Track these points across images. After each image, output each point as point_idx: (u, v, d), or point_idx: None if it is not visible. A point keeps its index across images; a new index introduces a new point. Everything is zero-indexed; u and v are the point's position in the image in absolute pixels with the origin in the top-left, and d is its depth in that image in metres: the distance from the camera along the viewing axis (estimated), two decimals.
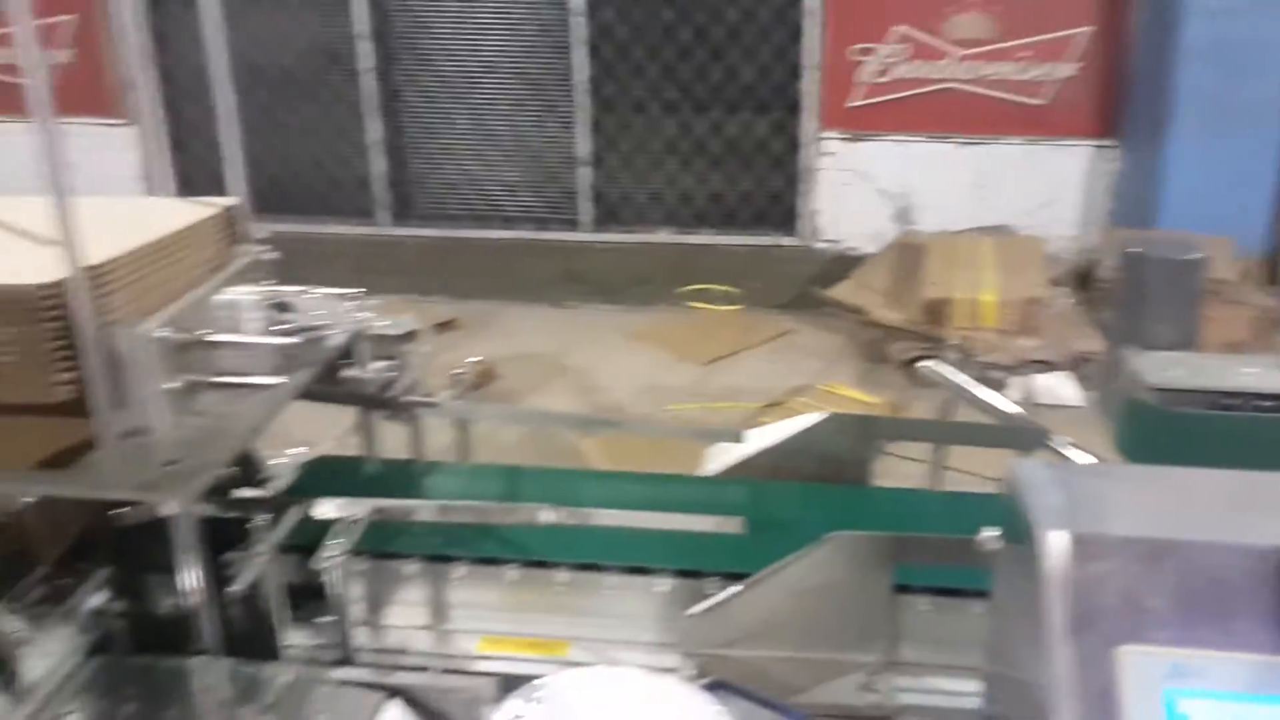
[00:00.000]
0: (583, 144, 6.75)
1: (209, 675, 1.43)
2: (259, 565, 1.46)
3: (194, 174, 6.12)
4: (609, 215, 6.96)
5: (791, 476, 1.88)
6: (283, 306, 1.73)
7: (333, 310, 1.80)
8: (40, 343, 1.40)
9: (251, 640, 1.56)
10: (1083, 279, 6.05)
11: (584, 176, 6.83)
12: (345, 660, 1.53)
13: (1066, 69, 6.28)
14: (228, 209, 1.86)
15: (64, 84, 6.64)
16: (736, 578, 1.58)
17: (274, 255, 1.86)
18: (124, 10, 6.61)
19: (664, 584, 1.60)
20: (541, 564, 1.62)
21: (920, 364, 1.93)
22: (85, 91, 6.57)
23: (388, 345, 2.02)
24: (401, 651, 1.59)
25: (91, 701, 1.38)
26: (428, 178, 6.99)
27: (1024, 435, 1.82)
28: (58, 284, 1.39)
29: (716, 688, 1.39)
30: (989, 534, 1.17)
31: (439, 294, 6.44)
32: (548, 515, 1.56)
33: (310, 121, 6.81)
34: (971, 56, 6.35)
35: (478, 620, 1.62)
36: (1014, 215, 6.44)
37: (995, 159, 6.47)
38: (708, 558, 1.61)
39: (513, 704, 1.29)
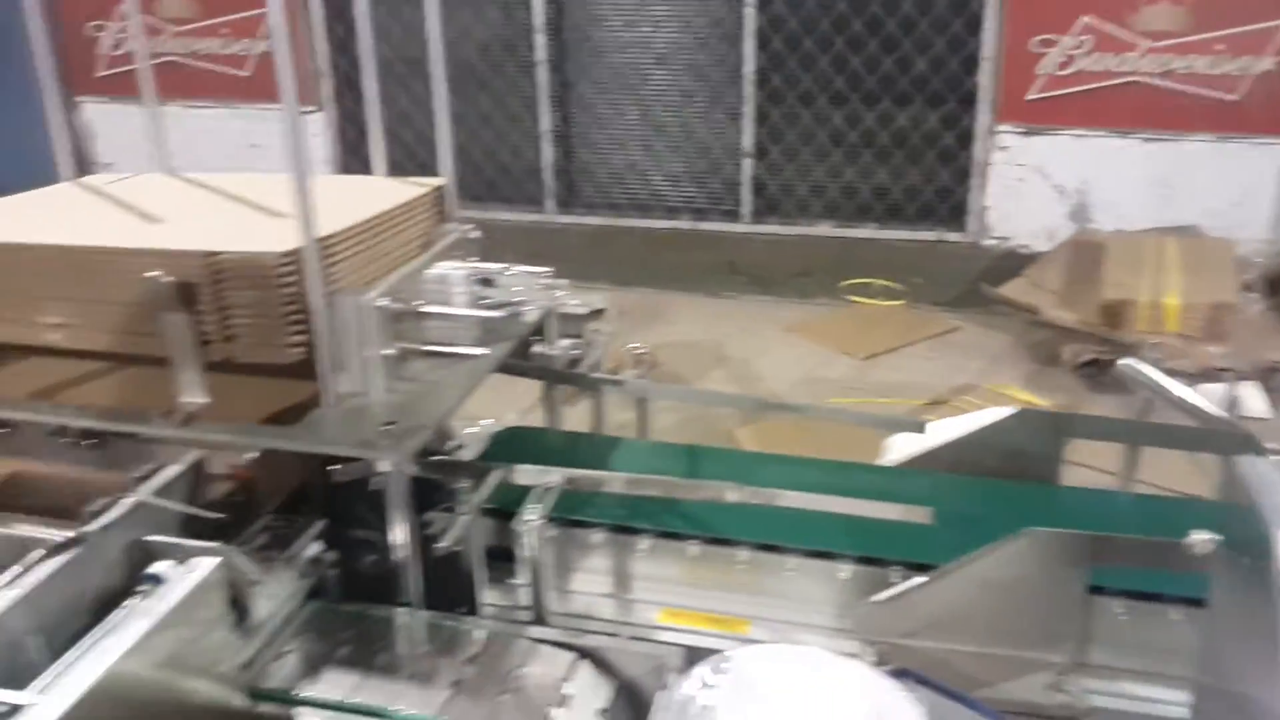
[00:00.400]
0: (747, 136, 6.75)
1: (414, 625, 1.52)
2: (463, 525, 1.54)
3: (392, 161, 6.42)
4: (769, 207, 6.93)
5: (974, 471, 1.85)
6: (486, 282, 1.81)
7: (529, 287, 1.87)
8: (276, 307, 1.51)
9: (451, 595, 1.65)
10: (1276, 284, 5.67)
11: (746, 168, 6.83)
12: (538, 620, 1.60)
13: (1265, 63, 5.89)
14: (437, 188, 1.97)
15: (262, 72, 7.07)
16: (920, 568, 1.57)
17: (477, 234, 1.95)
18: (313, 5, 7.00)
19: (845, 569, 1.60)
20: (723, 541, 1.65)
21: (1120, 362, 1.87)
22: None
23: (575, 323, 2.10)
24: (587, 616, 1.65)
25: (307, 642, 1.48)
26: (594, 167, 7.13)
27: (1228, 439, 1.74)
28: (293, 253, 1.50)
29: (902, 675, 1.39)
30: (1202, 537, 1.13)
31: (601, 281, 6.55)
32: (734, 494, 1.58)
33: (486, 111, 7.04)
34: (1160, 49, 6.03)
35: (659, 592, 1.67)
36: (1201, 215, 6.09)
37: (1182, 156, 6.12)
38: (891, 546, 1.60)
39: (701, 672, 1.32)
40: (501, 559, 1.73)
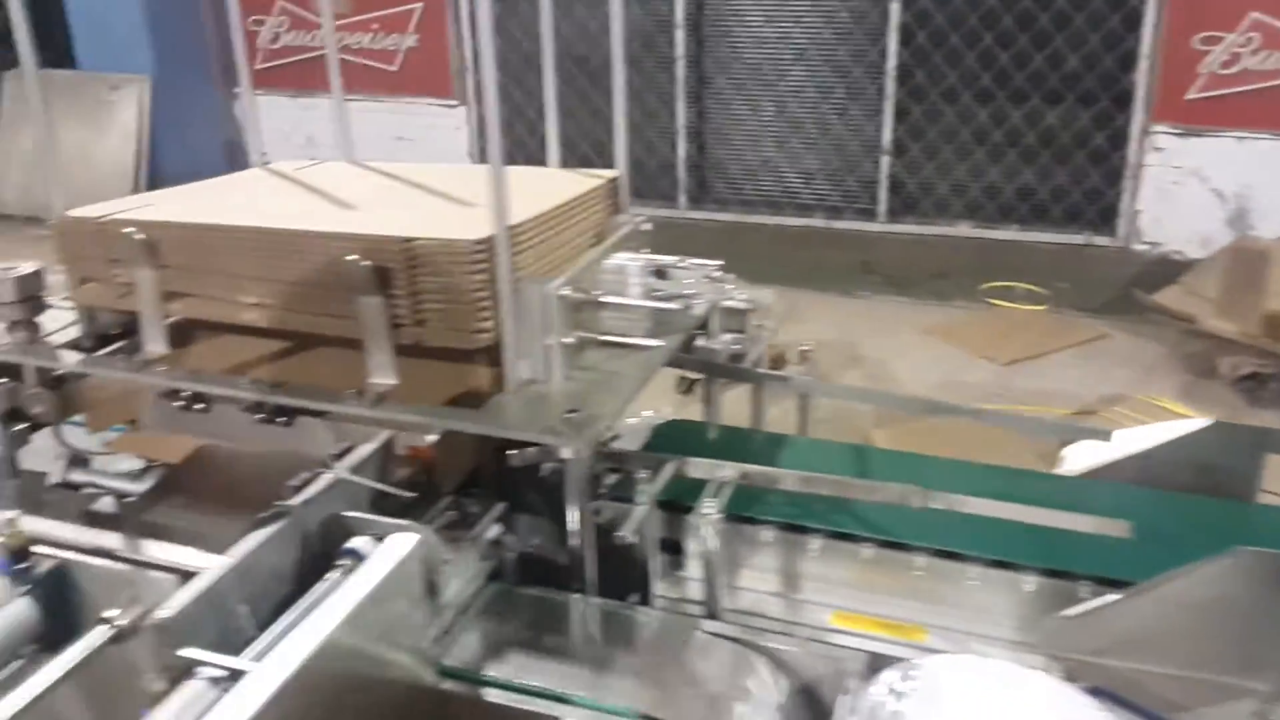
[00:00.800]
0: (886, 132, 6.62)
1: (591, 612, 1.53)
2: (641, 516, 1.54)
3: (515, 154, 6.54)
4: (906, 206, 6.79)
5: (1163, 485, 1.76)
6: (660, 274, 1.81)
7: (698, 280, 1.87)
8: (467, 293, 1.54)
9: (623, 585, 1.66)
10: None
11: (884, 165, 6.70)
12: (711, 615, 1.59)
13: None
14: (612, 180, 1.97)
15: (409, 67, 7.27)
16: (1112, 584, 1.50)
17: (649, 226, 1.95)
18: (460, 1, 7.15)
19: (1030, 581, 1.55)
20: (898, 546, 1.61)
21: None
22: (425, 74, 7.16)
23: (738, 318, 2.08)
24: (756, 614, 1.64)
25: (486, 623, 1.51)
26: (727, 163, 7.10)
27: None
28: (486, 241, 1.52)
29: (1098, 694, 1.34)
30: None
31: (731, 278, 6.53)
32: (917, 497, 1.55)
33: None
34: None
35: (830, 594, 1.64)
36: None
37: None
38: (1081, 560, 1.54)
39: (889, 678, 1.29)
40: (665, 551, 1.73)
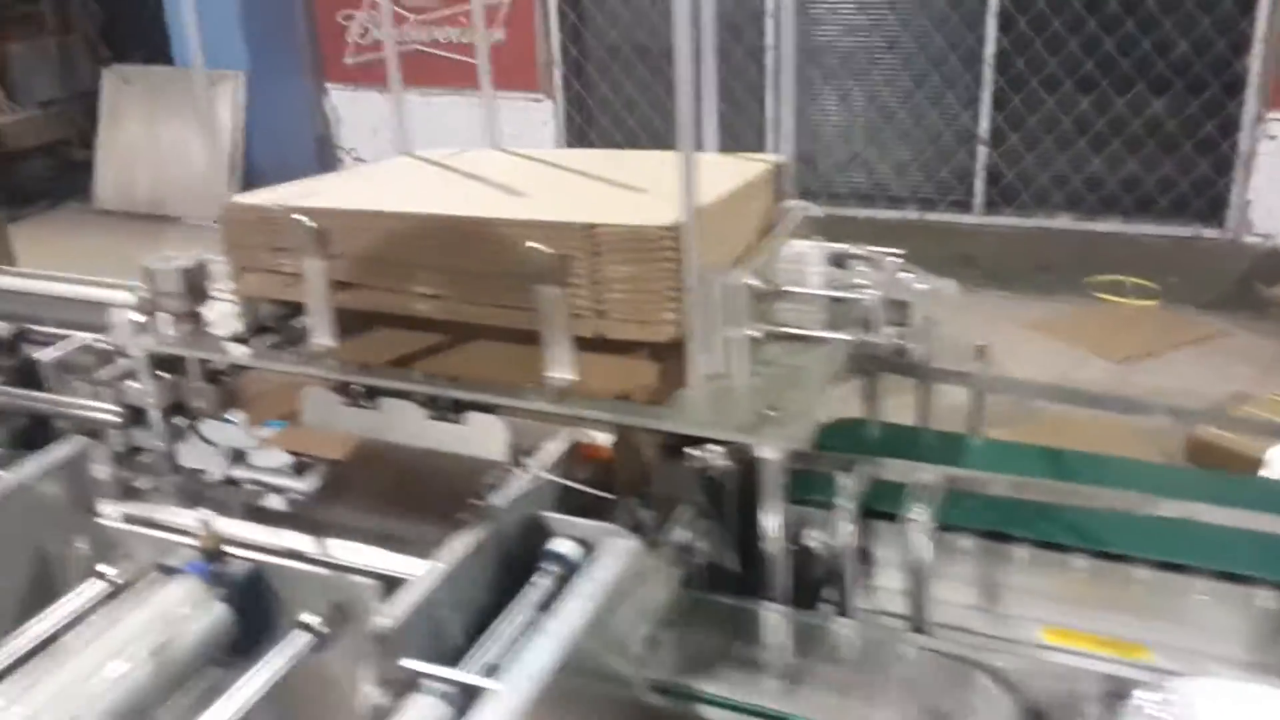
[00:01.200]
0: (983, 122, 6.44)
1: (792, 624, 1.45)
2: (844, 520, 1.45)
3: (601, 147, 6.48)
4: (1004, 198, 6.60)
5: None
6: (838, 263, 1.72)
7: (875, 269, 1.78)
8: (655, 282, 1.46)
9: (812, 594, 1.58)
10: None
11: (981, 156, 6.52)
12: (917, 628, 1.50)
13: None
14: (777, 165, 1.89)
15: (496, 61, 7.25)
16: None
17: (818, 212, 1.86)
18: None
19: (1267, 597, 1.43)
20: (1116, 557, 1.50)
21: None
22: (512, 68, 7.12)
23: (900, 310, 1.98)
24: (959, 628, 1.54)
25: (685, 634, 1.42)
26: (816, 156, 6.97)
27: None
28: (676, 227, 1.44)
29: None
30: None
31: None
32: (1128, 504, 1.44)
33: None
34: None
35: (1039, 608, 1.54)
36: None
37: None
38: None
39: (1143, 702, 1.19)
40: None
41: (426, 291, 1.61)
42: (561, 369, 1.55)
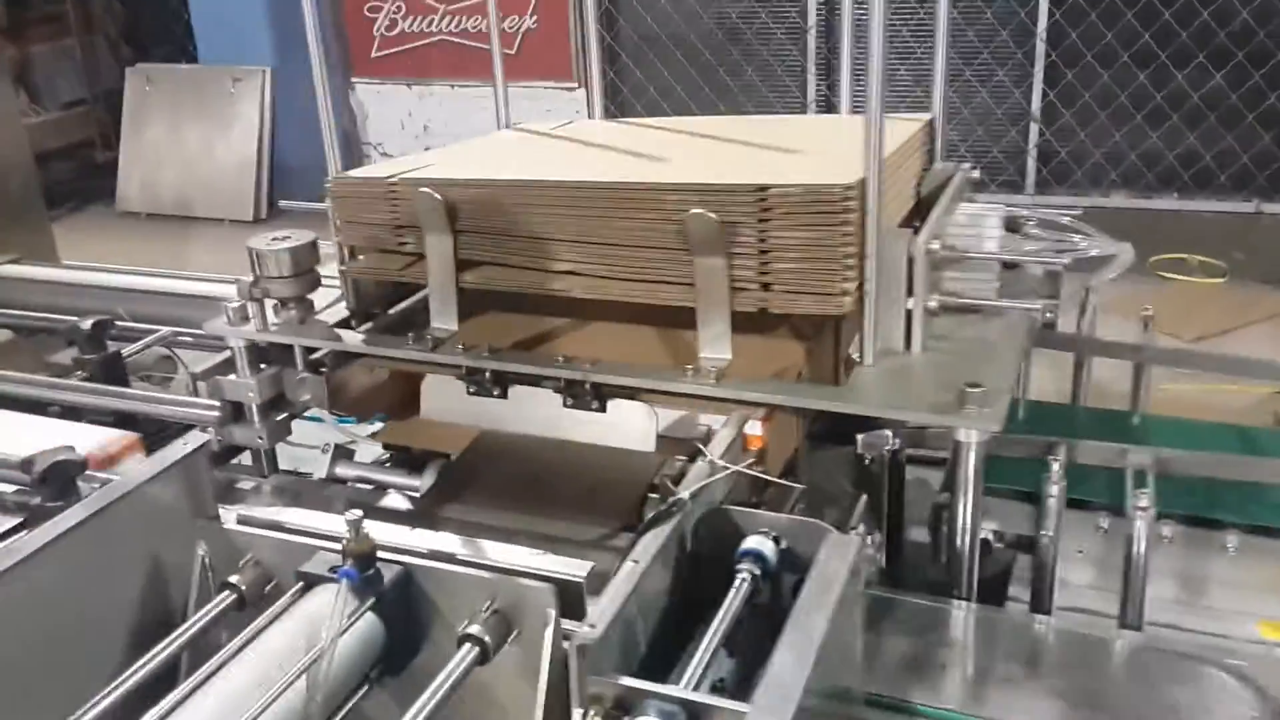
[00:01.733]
0: (1035, 99, 6.25)
1: (996, 625, 1.30)
2: (1052, 510, 1.30)
3: None
4: (1056, 176, 6.41)
5: None
6: (1012, 227, 1.57)
7: (1048, 233, 1.62)
8: (833, 248, 1.31)
9: (994, 589, 1.43)
10: None
11: (1032, 134, 6.33)
12: (1131, 626, 1.35)
13: None
14: (929, 123, 1.74)
15: (528, 50, 7.10)
16: None
17: (977, 173, 1.71)
18: None
19: None
20: None
21: None
22: (544, 56, 6.98)
23: (1051, 281, 1.82)
24: (1167, 625, 1.39)
25: (881, 638, 1.27)
26: None
27: None
28: (859, 185, 1.30)
29: None
30: None
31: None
32: None
33: (748, 81, 6.81)
34: None
35: (1252, 600, 1.38)
36: None
37: None
38: None
39: None
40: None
41: (565, 268, 1.47)
42: (718, 348, 1.40)
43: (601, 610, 0.98)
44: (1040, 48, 6.16)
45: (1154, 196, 6.26)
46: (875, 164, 1.28)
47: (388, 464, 1.79)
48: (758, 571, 1.11)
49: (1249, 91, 5.95)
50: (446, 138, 1.97)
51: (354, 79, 7.62)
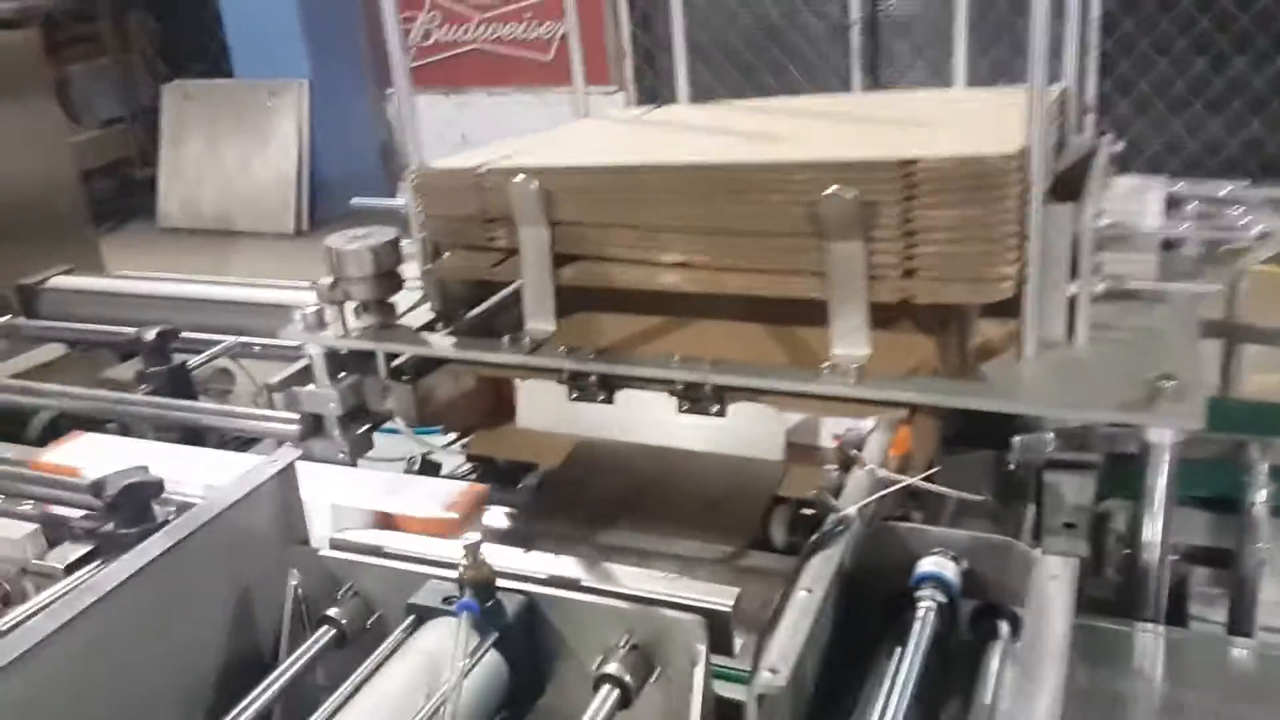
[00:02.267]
0: (1089, 88, 6.05)
1: (1188, 648, 1.14)
2: (1261, 518, 1.14)
3: None
4: (1114, 166, 6.21)
5: None
6: (1174, 203, 1.41)
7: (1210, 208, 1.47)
8: (992, 227, 1.17)
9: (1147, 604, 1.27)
10: None
11: (1088, 124, 6.13)
12: (1245, 633, 1.19)
13: None
14: (1063, 93, 1.59)
15: (564, 56, 7.00)
16: None
17: (1119, 146, 1.55)
18: None
19: None
20: None
21: None
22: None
23: None
24: None
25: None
26: None
27: None
28: (1021, 155, 1.15)
29: None
30: None
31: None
32: None
33: (800, 84, 6.66)
34: None
35: None
36: None
37: None
38: None
39: None
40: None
41: (677, 260, 1.33)
42: (854, 344, 1.25)
43: (782, 650, 0.84)
44: (1094, 35, 5.96)
45: (1220, 183, 6.03)
46: (1039, 130, 1.14)
47: (473, 478, 1.66)
48: (943, 599, 0.96)
49: None
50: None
51: (389, 90, 7.55)
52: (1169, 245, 1.42)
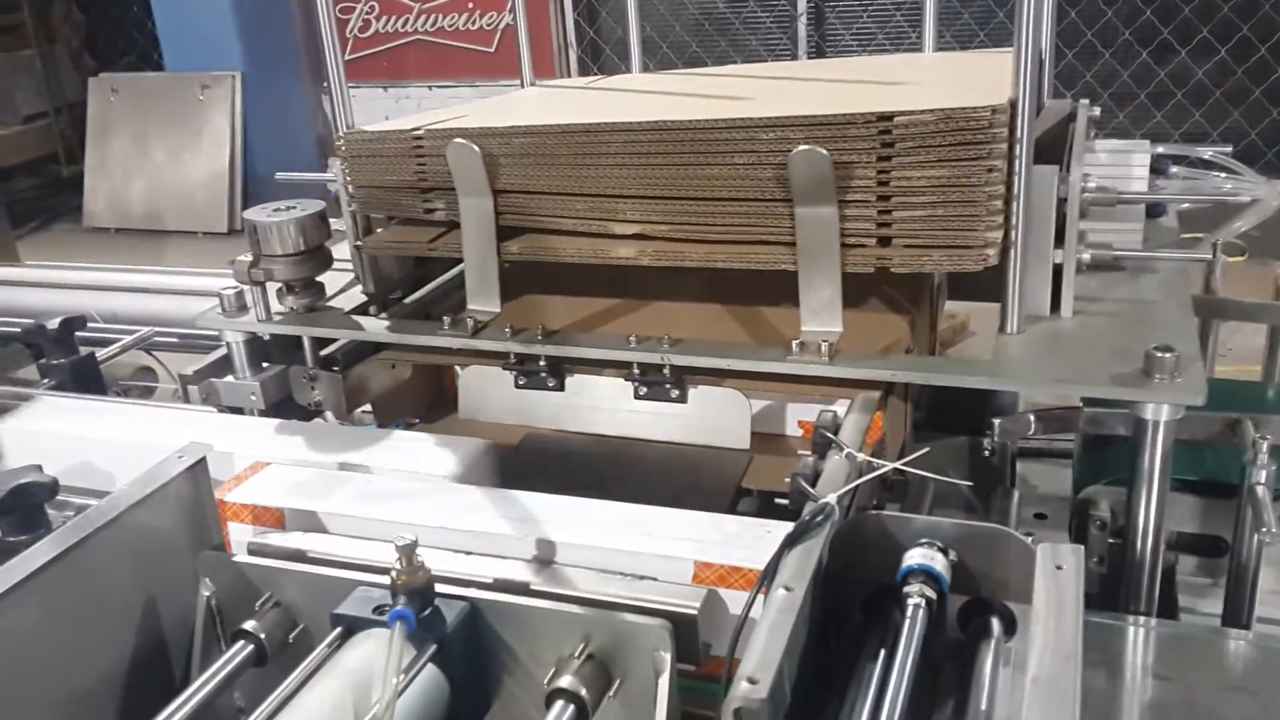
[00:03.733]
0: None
1: (1188, 643, 1.05)
2: (1263, 502, 1.06)
3: None
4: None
5: None
6: (1156, 170, 1.33)
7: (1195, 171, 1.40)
8: (978, 189, 1.07)
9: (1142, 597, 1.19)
10: None
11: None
12: (1244, 624, 1.11)
13: None
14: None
15: (507, 48, 6.84)
16: None
17: (1096, 111, 1.47)
18: None
19: None
20: None
21: None
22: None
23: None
24: None
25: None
26: None
27: None
28: (1004, 107, 1.06)
29: None
30: None
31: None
32: None
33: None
34: None
35: None
36: None
37: None
38: None
39: None
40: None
41: (631, 231, 1.22)
42: (826, 319, 1.15)
43: (761, 657, 0.73)
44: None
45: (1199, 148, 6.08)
46: (1026, 82, 1.04)
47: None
48: (932, 594, 0.86)
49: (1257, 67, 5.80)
50: None
51: (326, 83, 7.33)
52: (1151, 213, 1.35)
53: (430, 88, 7.15)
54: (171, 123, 6.83)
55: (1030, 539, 0.94)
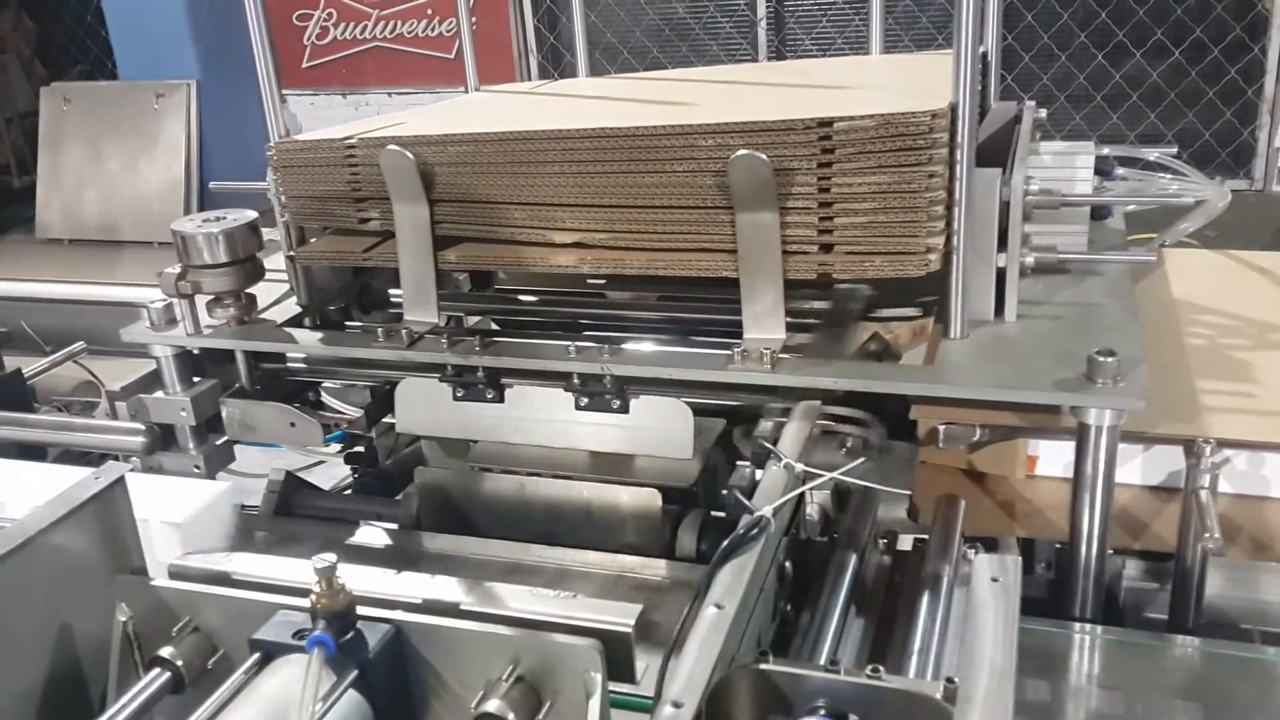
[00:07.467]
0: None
1: (1135, 651, 1.04)
2: (1208, 506, 1.04)
3: None
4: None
5: None
6: (1102, 172, 1.32)
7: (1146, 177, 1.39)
8: (919, 194, 1.05)
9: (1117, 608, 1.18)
10: None
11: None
12: (1188, 629, 1.10)
13: None
14: (983, 53, 1.49)
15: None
16: None
17: (1043, 113, 1.47)
18: None
19: None
20: None
21: None
22: (483, 61, 6.69)
23: None
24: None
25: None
26: None
27: None
28: (945, 112, 1.04)
29: None
30: None
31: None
32: None
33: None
34: None
35: None
36: None
37: None
38: None
39: None
40: None
41: (571, 239, 1.19)
42: (768, 326, 1.13)
43: (688, 679, 0.70)
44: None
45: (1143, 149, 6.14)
46: (966, 86, 1.03)
47: (350, 490, 1.50)
48: None
49: (1205, 70, 5.87)
50: None
51: (284, 91, 7.25)
52: (1097, 215, 1.34)
53: (390, 94, 7.09)
54: (126, 132, 6.72)
55: (974, 552, 0.92)
